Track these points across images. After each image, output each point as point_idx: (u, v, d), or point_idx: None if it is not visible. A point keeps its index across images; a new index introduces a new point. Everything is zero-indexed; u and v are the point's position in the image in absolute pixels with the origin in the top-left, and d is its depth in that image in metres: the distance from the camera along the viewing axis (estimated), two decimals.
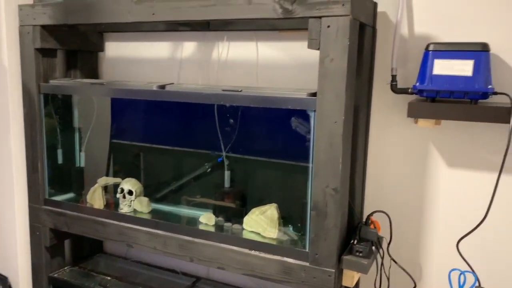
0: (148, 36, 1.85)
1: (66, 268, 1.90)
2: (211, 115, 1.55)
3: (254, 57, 1.65)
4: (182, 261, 1.81)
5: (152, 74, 1.86)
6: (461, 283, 1.24)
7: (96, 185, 1.72)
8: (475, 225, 1.24)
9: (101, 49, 1.94)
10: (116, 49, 1.93)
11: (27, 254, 1.84)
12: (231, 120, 1.53)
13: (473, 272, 1.25)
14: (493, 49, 1.30)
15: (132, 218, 1.59)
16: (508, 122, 1.18)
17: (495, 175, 1.24)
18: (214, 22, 1.64)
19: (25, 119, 1.72)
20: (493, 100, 1.27)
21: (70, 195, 1.84)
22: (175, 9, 1.36)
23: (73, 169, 1.87)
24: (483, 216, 1.22)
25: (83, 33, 1.84)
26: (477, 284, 1.23)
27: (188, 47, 1.78)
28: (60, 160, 1.82)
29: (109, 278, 1.83)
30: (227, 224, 1.52)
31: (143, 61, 1.88)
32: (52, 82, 1.70)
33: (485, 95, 1.24)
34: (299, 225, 1.45)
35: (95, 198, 1.70)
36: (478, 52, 1.24)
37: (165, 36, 1.81)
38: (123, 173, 1.80)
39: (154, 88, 1.49)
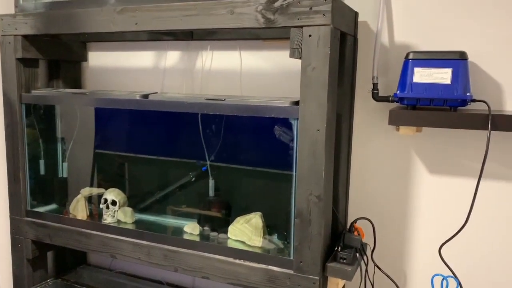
0: (131, 45, 1.84)
1: (48, 280, 1.86)
2: (195, 124, 1.55)
3: (237, 66, 1.66)
4: (167, 271, 1.80)
5: (136, 84, 1.86)
6: None
7: (79, 196, 1.70)
8: (456, 231, 1.26)
9: (84, 59, 1.93)
10: (99, 59, 1.93)
11: (8, 266, 1.81)
12: (215, 129, 1.54)
13: (455, 277, 1.26)
14: (471, 58, 1.33)
15: (115, 229, 1.57)
16: (486, 129, 1.20)
17: (475, 181, 1.26)
18: (198, 31, 1.66)
19: (6, 130, 1.70)
20: (472, 107, 1.30)
21: (53, 206, 1.81)
22: (157, 19, 1.37)
23: (56, 180, 1.85)
24: (464, 222, 1.24)
25: (66, 43, 1.83)
26: None
27: (172, 57, 1.78)
28: (42, 171, 1.80)
29: None
30: (212, 233, 1.52)
31: (126, 70, 1.87)
32: (34, 92, 1.68)
33: (464, 102, 1.26)
34: (284, 233, 1.45)
35: (78, 209, 1.68)
36: (457, 61, 1.27)
37: (148, 45, 1.81)
38: (107, 184, 1.79)
39: (137, 98, 1.49)
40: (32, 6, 1.65)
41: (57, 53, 1.80)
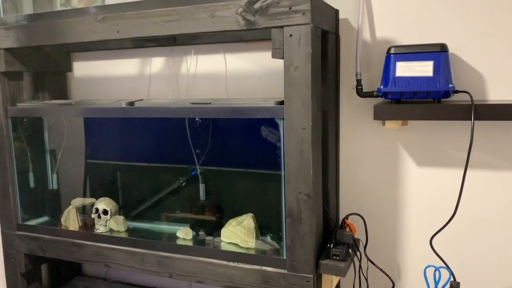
0: (115, 54, 1.84)
1: None
2: (183, 130, 1.55)
3: (222, 69, 1.67)
4: (162, 278, 1.80)
5: (122, 92, 1.86)
6: (437, 279, 1.26)
7: (70, 207, 1.70)
8: (446, 221, 1.27)
9: (69, 69, 1.93)
10: (84, 69, 1.92)
11: (2, 282, 1.80)
12: (204, 134, 1.54)
13: (447, 267, 1.27)
14: (452, 49, 1.34)
15: (108, 238, 1.57)
16: (470, 119, 1.21)
17: (462, 171, 1.27)
18: (181, 36, 1.66)
19: None
20: (455, 98, 1.31)
21: (45, 218, 1.80)
22: (139, 26, 1.37)
23: (47, 192, 1.84)
24: (453, 212, 1.25)
25: (50, 54, 1.83)
26: (452, 279, 1.26)
27: (157, 63, 1.78)
28: (32, 183, 1.79)
29: None
30: (205, 237, 1.52)
31: (112, 79, 1.87)
32: (19, 105, 1.67)
33: (447, 94, 1.27)
34: (276, 233, 1.45)
35: (70, 220, 1.67)
36: (437, 53, 1.28)
37: (132, 53, 1.81)
38: (100, 193, 1.78)
39: (123, 106, 1.49)
40: (14, 19, 1.64)
41: (41, 65, 1.79)
